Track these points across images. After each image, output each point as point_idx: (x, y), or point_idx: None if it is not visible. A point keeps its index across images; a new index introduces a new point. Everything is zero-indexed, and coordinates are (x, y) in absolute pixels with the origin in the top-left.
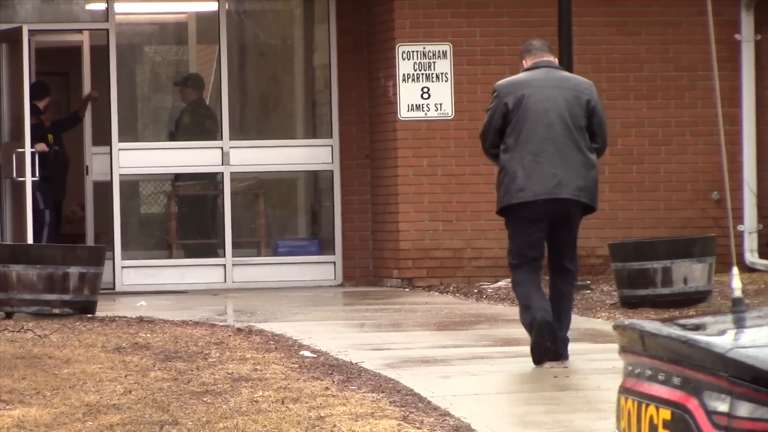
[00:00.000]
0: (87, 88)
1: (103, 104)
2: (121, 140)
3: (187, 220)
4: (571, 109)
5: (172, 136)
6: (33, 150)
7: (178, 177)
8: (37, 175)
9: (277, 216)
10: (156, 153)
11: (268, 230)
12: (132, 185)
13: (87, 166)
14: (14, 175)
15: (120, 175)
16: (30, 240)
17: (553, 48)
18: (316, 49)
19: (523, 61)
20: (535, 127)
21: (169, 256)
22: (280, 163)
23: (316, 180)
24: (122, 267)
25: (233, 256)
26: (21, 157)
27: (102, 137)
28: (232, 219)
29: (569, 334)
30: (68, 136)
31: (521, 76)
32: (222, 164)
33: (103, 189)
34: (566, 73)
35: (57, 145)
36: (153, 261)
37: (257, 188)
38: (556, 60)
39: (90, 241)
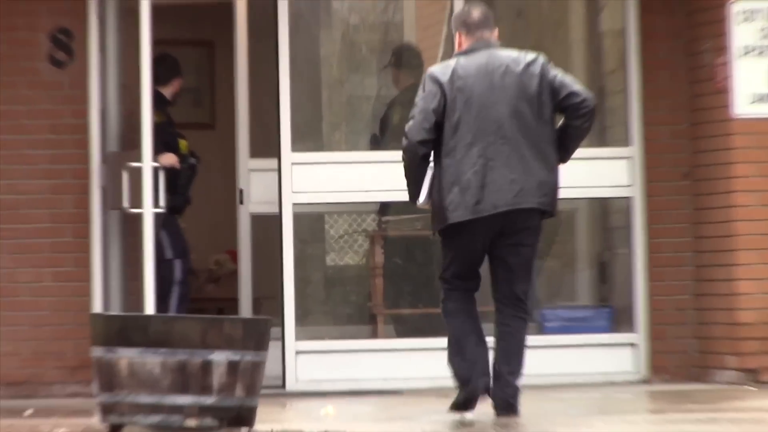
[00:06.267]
0: (242, 65)
1: (266, 92)
2: (295, 149)
3: (402, 277)
4: (525, 97)
5: (377, 142)
6: (156, 164)
7: (385, 207)
8: (163, 204)
9: (542, 270)
10: (351, 169)
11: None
12: (313, 221)
13: (241, 191)
14: (125, 205)
15: (294, 204)
16: (150, 308)
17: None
18: (603, 7)
19: (458, 36)
20: (483, 125)
21: (373, 335)
22: None
23: (604, 212)
24: (297, 352)
25: None
26: (136, 177)
27: (265, 145)
28: None
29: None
30: (208, 142)
31: (460, 62)
32: None
33: (267, 226)
34: (511, 52)
35: (193, 156)
36: (346, 343)
37: None
38: (496, 34)
39: (245, 309)
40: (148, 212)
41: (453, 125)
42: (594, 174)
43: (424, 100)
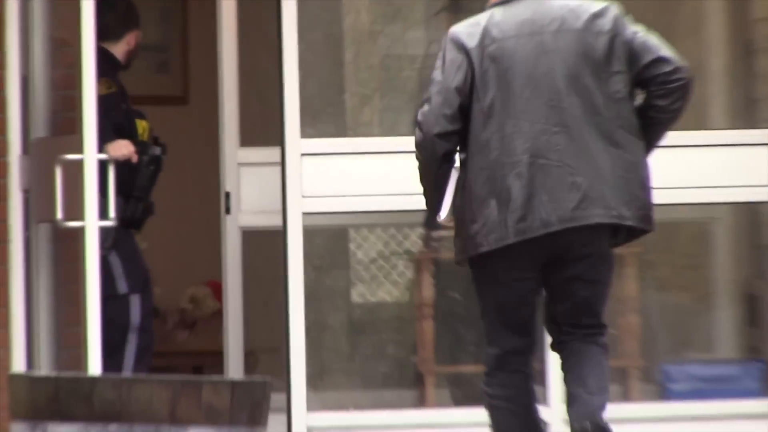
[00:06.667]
0: (228, 13)
1: (262, 52)
2: (306, 134)
3: (461, 319)
4: (590, 63)
5: None
6: (104, 156)
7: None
8: (114, 215)
9: (661, 307)
10: (387, 163)
11: (646, 341)
12: (332, 238)
13: (227, 194)
14: (59, 216)
15: (305, 213)
16: (96, 366)
17: None
18: None
19: None
20: (529, 107)
21: (420, 403)
22: (665, 186)
23: (753, 223)
24: (309, 428)
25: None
26: (75, 174)
27: (261, 129)
28: None
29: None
30: (179, 124)
31: (494, 18)
32: None
33: (265, 246)
34: (568, 1)
35: (157, 144)
36: (380, 415)
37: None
38: None
39: (233, 367)
40: (91, 226)
41: (485, 109)
42: (737, 168)
43: (443, 74)
